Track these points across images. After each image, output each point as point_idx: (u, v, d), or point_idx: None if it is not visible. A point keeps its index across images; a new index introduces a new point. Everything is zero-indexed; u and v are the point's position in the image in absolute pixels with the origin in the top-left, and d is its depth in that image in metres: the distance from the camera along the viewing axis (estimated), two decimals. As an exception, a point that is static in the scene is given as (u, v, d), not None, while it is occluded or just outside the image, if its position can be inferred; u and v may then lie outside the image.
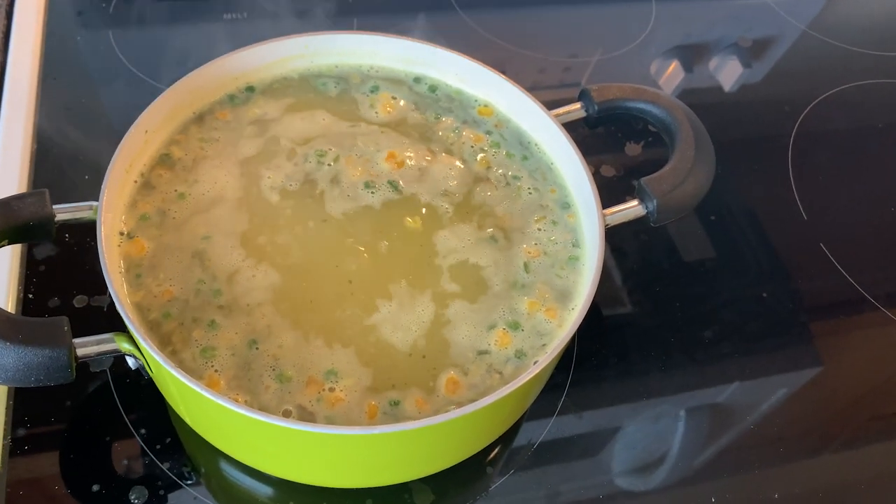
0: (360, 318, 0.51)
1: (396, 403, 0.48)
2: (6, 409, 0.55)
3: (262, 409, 0.46)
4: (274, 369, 0.48)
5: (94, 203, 0.50)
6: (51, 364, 0.44)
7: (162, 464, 0.54)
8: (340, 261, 0.53)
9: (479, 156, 0.60)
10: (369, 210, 0.56)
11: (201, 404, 0.46)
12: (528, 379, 0.45)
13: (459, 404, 0.48)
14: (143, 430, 0.55)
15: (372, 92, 0.62)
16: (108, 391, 0.57)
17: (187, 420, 0.52)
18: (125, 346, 0.47)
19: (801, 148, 0.80)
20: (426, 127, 0.61)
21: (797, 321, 0.68)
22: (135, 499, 0.53)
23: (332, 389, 0.48)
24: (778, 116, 0.84)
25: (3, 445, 0.54)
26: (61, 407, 0.56)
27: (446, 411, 0.45)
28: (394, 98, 0.62)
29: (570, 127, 0.59)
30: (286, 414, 0.47)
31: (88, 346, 0.46)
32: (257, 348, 0.49)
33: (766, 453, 0.60)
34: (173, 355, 0.48)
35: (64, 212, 0.50)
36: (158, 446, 0.55)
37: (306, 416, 0.47)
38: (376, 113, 0.62)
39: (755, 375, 0.64)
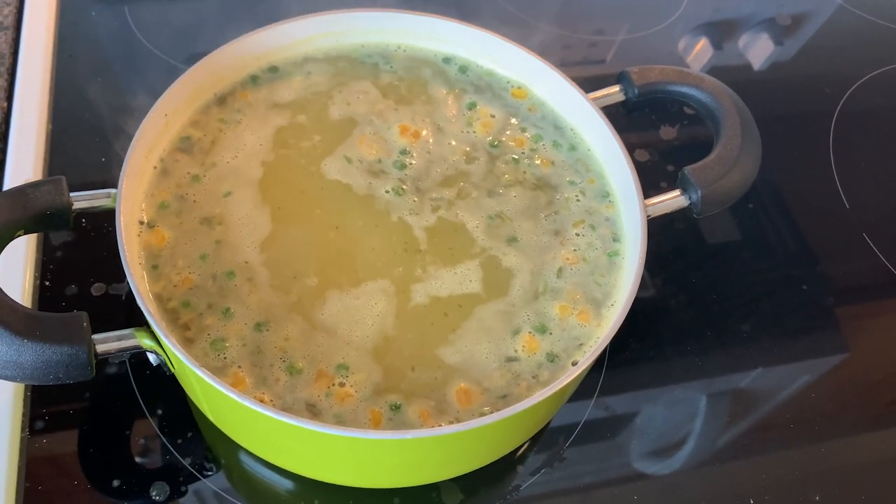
0: (375, 311, 0.49)
1: (398, 407, 0.45)
2: (24, 401, 0.54)
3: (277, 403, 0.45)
4: (283, 360, 0.47)
5: (113, 191, 0.48)
6: (70, 362, 0.42)
7: (183, 458, 0.53)
8: (364, 254, 0.51)
9: (538, 159, 0.57)
10: (399, 203, 0.54)
11: (228, 405, 0.44)
12: (567, 382, 0.43)
13: (492, 406, 0.46)
14: (163, 424, 0.54)
15: (470, 109, 0.59)
16: (128, 382, 0.55)
17: (212, 419, 0.50)
18: (146, 343, 0.45)
19: (843, 132, 0.77)
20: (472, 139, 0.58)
21: (838, 315, 0.65)
22: (156, 494, 0.51)
23: (342, 384, 0.46)
24: (817, 98, 0.80)
25: (22, 439, 0.52)
26: (80, 399, 0.54)
27: (482, 414, 0.43)
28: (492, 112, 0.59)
29: (604, 109, 0.56)
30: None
31: (108, 343, 0.44)
32: (268, 330, 0.47)
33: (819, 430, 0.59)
34: (188, 344, 0.46)
35: (81, 200, 0.48)
36: (179, 441, 0.53)
37: (314, 413, 0.45)
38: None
39: (788, 361, 0.62)
